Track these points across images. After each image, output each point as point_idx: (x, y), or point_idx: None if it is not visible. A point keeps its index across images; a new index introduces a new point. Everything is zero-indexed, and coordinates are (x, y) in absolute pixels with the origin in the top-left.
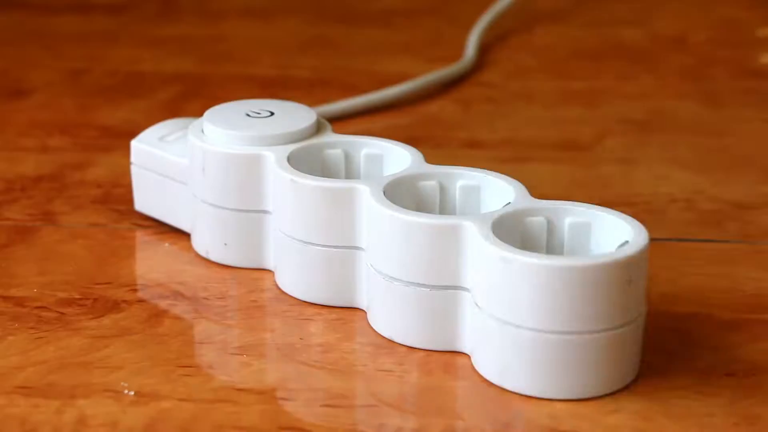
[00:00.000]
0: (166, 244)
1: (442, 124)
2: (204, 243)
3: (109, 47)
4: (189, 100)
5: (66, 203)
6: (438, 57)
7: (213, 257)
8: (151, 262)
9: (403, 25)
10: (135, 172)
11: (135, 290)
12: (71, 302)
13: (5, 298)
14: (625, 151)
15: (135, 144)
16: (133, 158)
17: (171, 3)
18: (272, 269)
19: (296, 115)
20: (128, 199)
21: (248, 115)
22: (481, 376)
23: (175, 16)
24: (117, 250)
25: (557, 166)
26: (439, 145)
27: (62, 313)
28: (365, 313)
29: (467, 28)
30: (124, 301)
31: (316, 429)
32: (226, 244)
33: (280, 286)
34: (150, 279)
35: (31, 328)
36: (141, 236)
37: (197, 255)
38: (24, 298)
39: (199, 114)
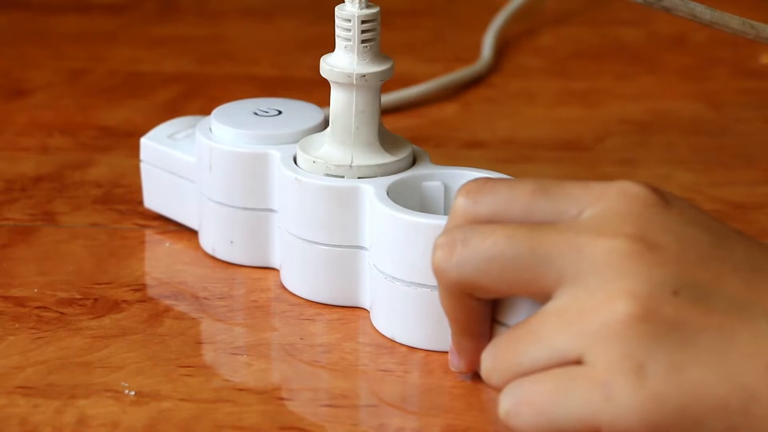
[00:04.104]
0: (167, 244)
1: (443, 125)
2: (210, 240)
3: (109, 47)
4: (189, 100)
5: (66, 203)
6: (438, 57)
7: (219, 255)
8: (151, 262)
9: (403, 25)
10: (144, 169)
11: (135, 290)
12: (71, 302)
13: (5, 298)
14: (625, 151)
15: (144, 141)
16: (142, 155)
17: (171, 3)
18: (278, 267)
19: (304, 114)
20: (129, 199)
21: (256, 113)
22: (480, 376)
23: (175, 16)
24: (117, 250)
25: (557, 166)
26: (439, 145)
27: (62, 313)
28: (366, 313)
29: (467, 28)
30: (125, 301)
31: (317, 429)
32: (232, 242)
33: (285, 284)
34: (150, 279)
35: (32, 328)
36: (141, 236)
37: (198, 255)
38: (24, 298)
39: (199, 114)
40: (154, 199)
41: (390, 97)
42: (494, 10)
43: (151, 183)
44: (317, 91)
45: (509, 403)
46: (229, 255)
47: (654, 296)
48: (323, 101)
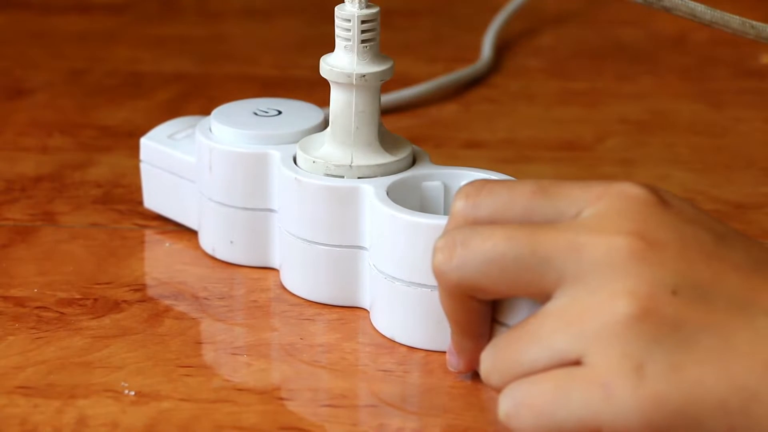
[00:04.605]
0: (167, 244)
1: (443, 125)
2: (210, 240)
3: (109, 47)
4: (189, 100)
5: (66, 203)
6: (438, 57)
7: (219, 255)
8: (151, 262)
9: (403, 25)
10: (144, 169)
11: (135, 290)
12: (71, 302)
13: (5, 298)
14: (625, 151)
15: (144, 141)
16: (142, 155)
17: (171, 3)
18: (278, 267)
19: (304, 114)
20: (128, 199)
21: (256, 113)
22: (480, 376)
23: (175, 16)
24: (117, 250)
25: (557, 166)
26: (439, 145)
27: (62, 313)
28: (366, 313)
29: (467, 28)
30: (125, 301)
31: (317, 429)
32: (232, 242)
33: (285, 284)
34: (150, 279)
35: (32, 328)
36: (141, 236)
37: (198, 255)
38: (24, 298)
39: (199, 114)
40: (154, 199)
41: (390, 97)
42: (494, 10)
43: (151, 183)
44: (317, 91)
45: (509, 406)
46: (229, 255)
47: (654, 296)
48: (323, 101)
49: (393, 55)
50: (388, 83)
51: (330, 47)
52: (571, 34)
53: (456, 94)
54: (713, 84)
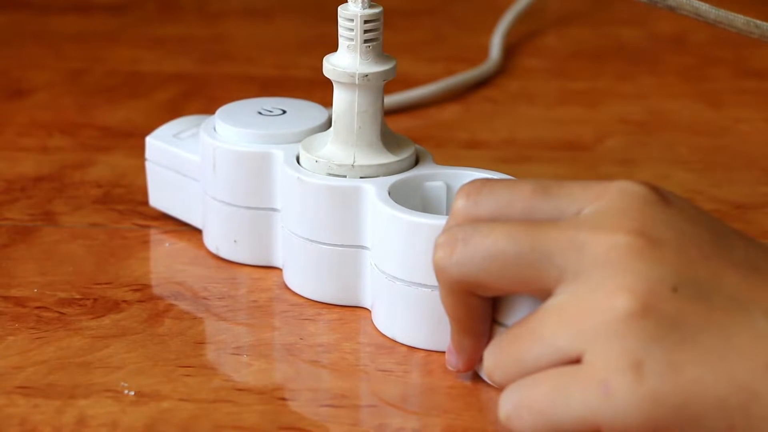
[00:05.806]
0: (167, 244)
1: (443, 125)
2: (214, 239)
3: (109, 47)
4: (189, 100)
5: (66, 203)
6: (438, 57)
7: (223, 254)
8: (151, 262)
9: (403, 25)
10: (149, 168)
11: (135, 290)
12: (71, 302)
13: (5, 298)
14: (625, 151)
15: (149, 140)
16: (147, 154)
17: (171, 3)
18: (281, 266)
19: (308, 114)
20: (128, 199)
21: (260, 113)
22: (479, 377)
23: (175, 16)
24: (117, 250)
25: (557, 166)
26: (439, 145)
27: (62, 313)
28: (366, 312)
29: (467, 28)
30: (124, 301)
31: (317, 429)
32: (235, 241)
33: (288, 283)
34: (150, 279)
35: (31, 328)
36: (141, 236)
37: (198, 255)
38: (24, 298)
39: (200, 114)
40: (159, 198)
41: (396, 98)
42: (494, 9)
43: (156, 182)
44: (317, 91)
45: (509, 407)
46: (232, 254)
47: (653, 292)
48: (323, 101)
49: (393, 54)
50: (389, 84)
51: (330, 47)
52: (572, 34)
53: (457, 95)
54: (713, 84)
